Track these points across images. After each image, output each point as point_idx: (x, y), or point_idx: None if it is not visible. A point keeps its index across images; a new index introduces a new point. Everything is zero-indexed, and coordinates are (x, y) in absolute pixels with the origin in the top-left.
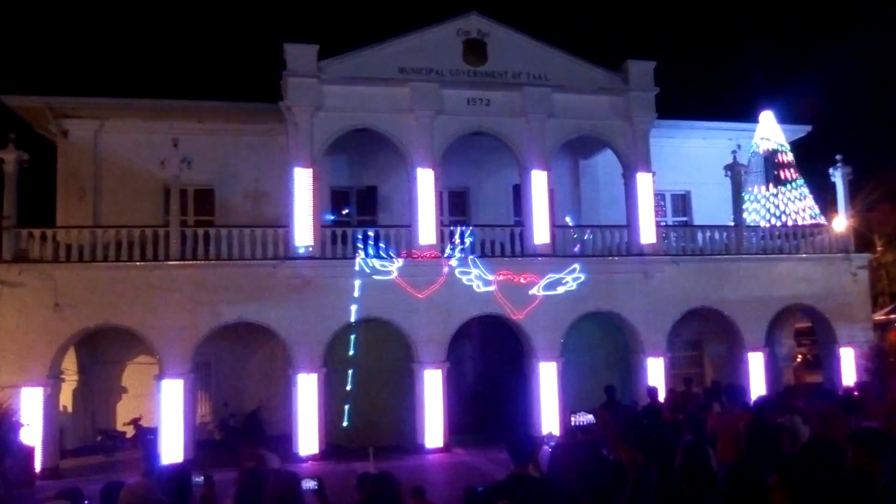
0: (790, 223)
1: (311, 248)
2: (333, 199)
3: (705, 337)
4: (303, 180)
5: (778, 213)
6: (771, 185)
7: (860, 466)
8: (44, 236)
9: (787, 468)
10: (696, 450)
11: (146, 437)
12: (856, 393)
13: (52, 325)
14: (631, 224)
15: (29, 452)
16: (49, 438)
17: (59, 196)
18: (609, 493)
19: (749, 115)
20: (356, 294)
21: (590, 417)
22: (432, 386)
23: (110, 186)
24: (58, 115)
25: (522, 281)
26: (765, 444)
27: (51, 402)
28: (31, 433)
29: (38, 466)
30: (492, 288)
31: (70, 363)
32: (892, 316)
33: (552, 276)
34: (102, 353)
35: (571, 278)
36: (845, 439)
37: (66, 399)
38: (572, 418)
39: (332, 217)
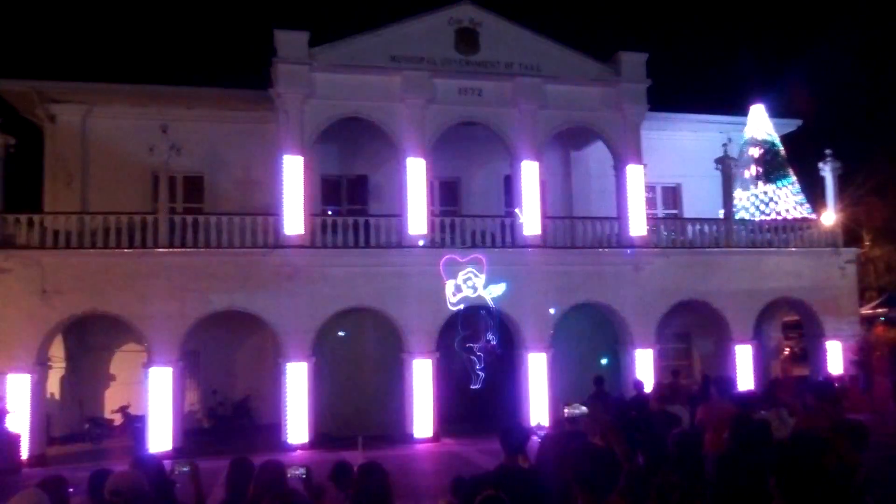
0: (780, 217)
1: (300, 237)
2: (324, 187)
3: (694, 329)
4: (293, 168)
5: (767, 207)
6: (761, 179)
7: (843, 457)
8: (31, 222)
9: (779, 468)
10: (687, 440)
11: (134, 426)
12: (840, 384)
13: (39, 311)
14: (621, 216)
15: (15, 440)
16: (36, 426)
17: (47, 181)
18: (602, 485)
19: (740, 109)
20: (346, 283)
21: (583, 409)
22: (422, 376)
23: (98, 172)
24: (45, 99)
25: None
26: (750, 438)
27: (38, 389)
28: (18, 420)
29: (24, 454)
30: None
31: (57, 350)
32: (880, 310)
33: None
34: (90, 340)
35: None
36: (829, 431)
37: (53, 386)
38: (566, 410)
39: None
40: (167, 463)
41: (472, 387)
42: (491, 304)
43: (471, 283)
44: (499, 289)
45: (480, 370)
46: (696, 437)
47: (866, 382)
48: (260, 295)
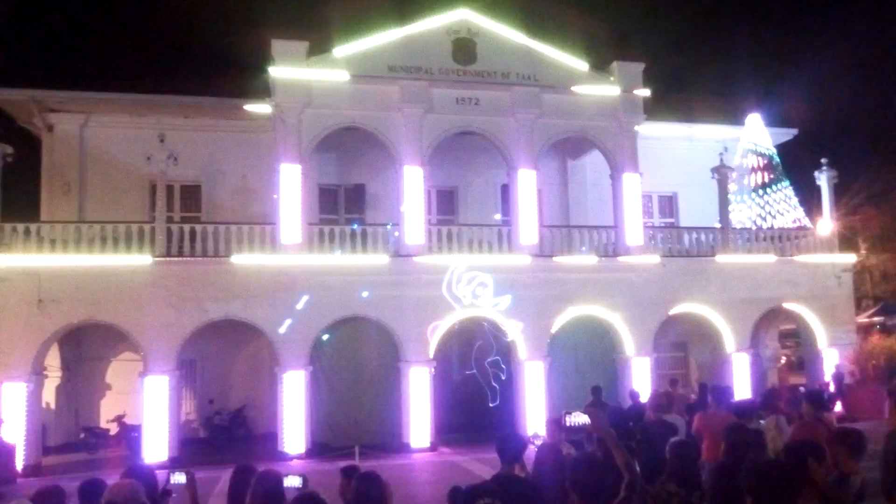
0: (776, 226)
1: (298, 246)
2: (321, 196)
3: (691, 338)
4: (290, 177)
5: (763, 216)
6: (757, 188)
7: (840, 465)
8: (28, 231)
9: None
10: (684, 449)
11: (130, 435)
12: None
13: (35, 320)
14: (618, 225)
15: (10, 450)
16: (31, 435)
17: (44, 191)
18: (600, 495)
19: (736, 118)
20: (343, 292)
21: (584, 418)
22: (418, 385)
23: (95, 181)
24: (43, 109)
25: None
26: (745, 447)
27: (33, 398)
28: (13, 430)
29: (19, 464)
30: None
31: (53, 359)
32: (876, 318)
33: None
34: (86, 349)
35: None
36: (825, 439)
37: (49, 396)
38: (567, 418)
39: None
40: (162, 473)
41: (491, 404)
42: (494, 316)
43: (468, 292)
44: (505, 301)
45: (484, 381)
46: (693, 446)
47: (838, 393)
48: (257, 304)
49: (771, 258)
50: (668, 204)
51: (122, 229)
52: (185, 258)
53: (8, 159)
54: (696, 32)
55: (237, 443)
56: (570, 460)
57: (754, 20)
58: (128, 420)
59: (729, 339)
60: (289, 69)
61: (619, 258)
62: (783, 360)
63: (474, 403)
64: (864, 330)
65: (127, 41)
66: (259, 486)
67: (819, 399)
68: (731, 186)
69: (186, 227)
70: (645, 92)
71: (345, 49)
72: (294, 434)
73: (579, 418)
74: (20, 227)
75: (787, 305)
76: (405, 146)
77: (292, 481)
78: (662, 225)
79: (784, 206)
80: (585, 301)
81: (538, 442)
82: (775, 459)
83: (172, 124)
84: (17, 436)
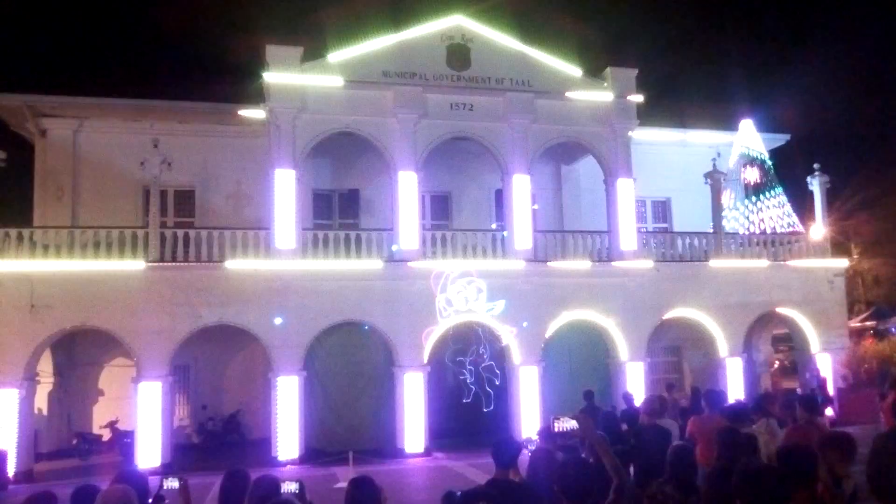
0: (768, 231)
1: (292, 251)
2: (315, 201)
3: (684, 343)
4: (284, 182)
5: (756, 221)
6: (750, 193)
7: (832, 469)
8: (20, 236)
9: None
10: (683, 453)
11: (123, 441)
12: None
13: (28, 326)
14: (612, 230)
15: (2, 456)
16: (23, 441)
17: (37, 196)
18: (589, 498)
19: (729, 124)
20: (337, 297)
21: (573, 423)
22: (413, 390)
23: (89, 187)
24: (36, 114)
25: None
26: (737, 451)
27: (26, 404)
28: (5, 436)
29: (11, 470)
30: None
31: (46, 365)
32: (868, 323)
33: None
34: (79, 355)
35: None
36: (818, 443)
37: (41, 401)
38: (556, 424)
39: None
40: (155, 479)
41: (464, 400)
42: (485, 320)
43: (463, 297)
44: (499, 306)
45: (472, 383)
46: (692, 451)
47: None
48: (250, 309)
49: (764, 263)
50: (662, 209)
51: (116, 234)
52: (178, 263)
53: (1, 164)
54: (690, 38)
55: (230, 448)
56: (558, 464)
57: (747, 26)
58: (120, 426)
59: (722, 344)
60: (283, 74)
61: (613, 263)
62: (776, 364)
63: (468, 408)
64: (857, 334)
65: (120, 46)
66: (256, 492)
67: (813, 403)
68: (725, 192)
69: (180, 233)
70: (638, 97)
71: (339, 54)
72: (287, 439)
73: (568, 424)
74: (13, 232)
75: (780, 310)
76: (399, 151)
77: (289, 487)
78: (656, 230)
79: (777, 211)
80: (579, 306)
81: (532, 447)
82: (767, 464)
83: (166, 129)
84: (8, 442)
